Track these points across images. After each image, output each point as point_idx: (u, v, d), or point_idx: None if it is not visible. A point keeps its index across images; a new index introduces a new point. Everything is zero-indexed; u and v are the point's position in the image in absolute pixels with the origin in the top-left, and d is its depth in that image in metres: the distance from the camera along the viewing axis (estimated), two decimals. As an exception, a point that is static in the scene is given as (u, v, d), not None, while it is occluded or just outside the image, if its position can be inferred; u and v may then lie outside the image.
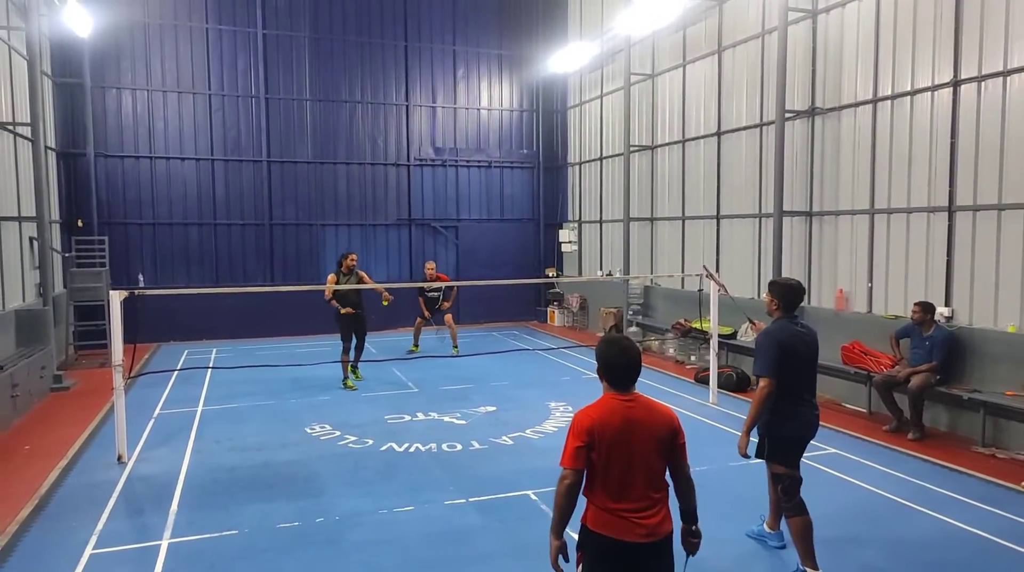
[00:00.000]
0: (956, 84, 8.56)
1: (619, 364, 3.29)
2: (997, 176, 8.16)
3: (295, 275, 17.06)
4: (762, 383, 4.88)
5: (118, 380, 7.61)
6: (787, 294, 5.03)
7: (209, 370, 12.17)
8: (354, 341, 11.17)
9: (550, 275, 18.70)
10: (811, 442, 5.11)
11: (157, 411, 9.81)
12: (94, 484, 6.98)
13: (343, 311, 10.95)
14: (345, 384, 11.03)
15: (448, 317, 14.11)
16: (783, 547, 5.44)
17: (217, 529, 5.85)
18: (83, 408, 9.96)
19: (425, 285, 13.75)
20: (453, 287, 14.12)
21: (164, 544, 5.59)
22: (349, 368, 11.20)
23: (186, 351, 14.54)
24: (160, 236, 16.07)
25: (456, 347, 13.79)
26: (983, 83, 8.28)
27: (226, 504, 6.41)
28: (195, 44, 16.10)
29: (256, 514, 6.17)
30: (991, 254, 8.24)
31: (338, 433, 8.68)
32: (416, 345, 14.05)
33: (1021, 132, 7.89)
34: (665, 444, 3.31)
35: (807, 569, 4.87)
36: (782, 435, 4.94)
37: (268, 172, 16.76)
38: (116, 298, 7.55)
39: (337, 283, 10.95)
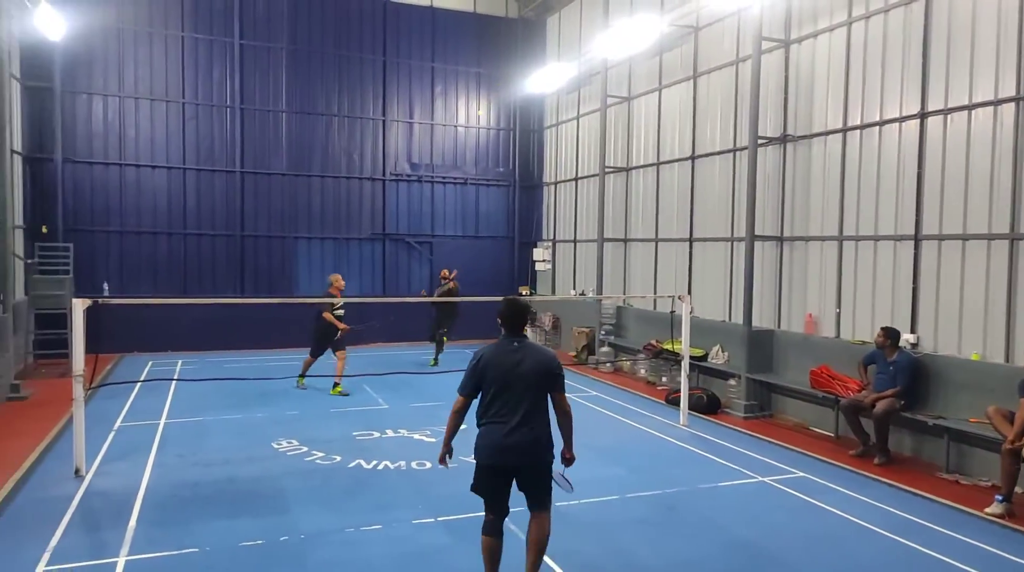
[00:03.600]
0: (923, 116, 8.79)
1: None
2: (962, 207, 8.37)
3: (266, 288, 16.83)
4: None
5: (78, 390, 7.40)
6: (504, 312, 4.87)
7: (174, 382, 11.91)
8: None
9: (523, 294, 18.70)
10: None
11: (118, 423, 9.56)
12: (49, 498, 6.75)
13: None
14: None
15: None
16: None
17: (177, 547, 5.69)
18: (40, 419, 9.66)
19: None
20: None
21: (121, 561, 5.41)
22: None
23: (150, 362, 14.23)
24: (127, 245, 15.76)
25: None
26: (949, 116, 8.51)
27: (187, 521, 6.24)
28: (170, 52, 15.92)
29: (218, 531, 6.01)
30: (956, 283, 8.42)
31: (305, 449, 8.52)
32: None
33: (985, 164, 8.11)
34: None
35: None
36: (475, 457, 4.81)
37: (241, 183, 16.57)
38: (79, 306, 7.35)
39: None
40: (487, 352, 4.76)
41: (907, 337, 8.81)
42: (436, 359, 14.34)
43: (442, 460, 4.94)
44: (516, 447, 4.63)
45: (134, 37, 15.62)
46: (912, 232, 8.92)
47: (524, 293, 18.66)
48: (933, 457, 8.40)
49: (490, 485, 4.75)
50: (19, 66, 14.17)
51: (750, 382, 10.77)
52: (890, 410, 8.34)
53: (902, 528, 6.39)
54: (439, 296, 14.27)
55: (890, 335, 8.57)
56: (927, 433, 8.47)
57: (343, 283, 12.06)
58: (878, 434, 8.42)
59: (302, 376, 11.70)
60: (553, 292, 18.34)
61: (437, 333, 14.51)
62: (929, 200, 8.75)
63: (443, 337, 14.52)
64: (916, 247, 8.89)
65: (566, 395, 4.87)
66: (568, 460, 4.97)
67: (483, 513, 4.83)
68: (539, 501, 4.78)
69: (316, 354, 11.83)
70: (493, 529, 4.77)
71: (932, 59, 8.69)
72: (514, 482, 4.79)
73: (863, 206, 9.64)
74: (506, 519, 4.83)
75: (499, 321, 4.89)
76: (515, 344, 4.76)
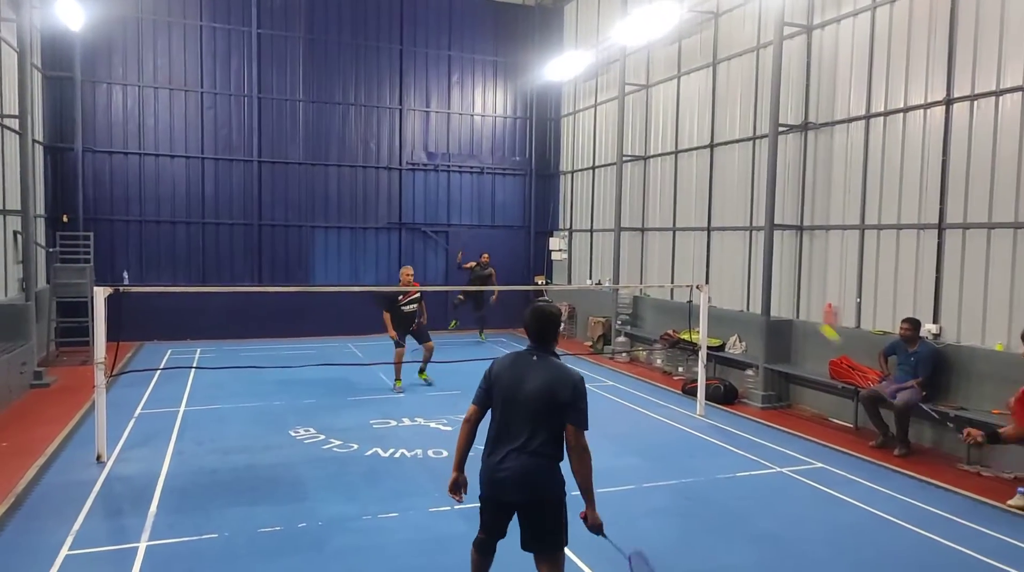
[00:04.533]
0: (949, 102, 8.62)
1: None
2: (987, 195, 8.21)
3: (283, 277, 16.92)
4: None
5: (100, 378, 7.48)
6: (528, 322, 4.12)
7: (193, 370, 12.02)
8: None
9: (539, 283, 18.66)
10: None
11: (138, 411, 9.67)
12: (72, 483, 6.84)
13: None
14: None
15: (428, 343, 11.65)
16: None
17: (197, 532, 5.75)
18: (63, 406, 9.80)
19: (400, 295, 11.10)
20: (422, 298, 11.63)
21: (142, 546, 5.48)
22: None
23: (170, 350, 14.37)
24: (147, 233, 15.89)
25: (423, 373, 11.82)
26: (976, 102, 8.34)
27: (206, 507, 6.30)
28: (188, 41, 15.98)
29: (237, 518, 6.06)
30: (980, 272, 8.28)
31: (323, 437, 8.57)
32: (400, 380, 11.34)
33: (1012, 151, 7.94)
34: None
35: None
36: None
37: (259, 172, 16.64)
38: (100, 294, 7.42)
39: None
40: (503, 361, 4.11)
41: (929, 327, 8.69)
42: (482, 333, 16.36)
43: (453, 489, 4.13)
44: (508, 480, 3.86)
45: (153, 27, 15.69)
46: (936, 221, 8.77)
47: (540, 282, 18.62)
48: (954, 449, 8.29)
49: (487, 516, 4.13)
50: (40, 56, 14.29)
51: (768, 372, 10.68)
52: (911, 401, 8.23)
53: (923, 520, 6.32)
54: (478, 280, 15.61)
55: (915, 326, 8.46)
56: (948, 424, 8.35)
57: (409, 277, 11.08)
58: (898, 425, 8.32)
59: (399, 379, 11.16)
60: (569, 281, 18.28)
61: (476, 314, 16.13)
62: (954, 188, 8.60)
63: (483, 317, 16.18)
64: (940, 236, 8.74)
65: (584, 434, 3.85)
66: (592, 524, 3.88)
67: None
68: (540, 546, 3.94)
69: (399, 345, 11.17)
70: (483, 548, 4.23)
71: (959, 44, 8.51)
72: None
73: (886, 194, 9.49)
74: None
75: (525, 332, 4.16)
76: (533, 357, 4.01)
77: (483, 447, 4.06)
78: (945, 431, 8.45)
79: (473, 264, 16.42)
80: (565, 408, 3.82)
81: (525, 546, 3.99)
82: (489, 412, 4.10)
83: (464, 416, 4.16)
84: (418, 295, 11.24)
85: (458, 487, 4.13)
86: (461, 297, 15.82)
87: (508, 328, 17.85)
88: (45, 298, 13.24)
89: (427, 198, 18.18)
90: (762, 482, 7.35)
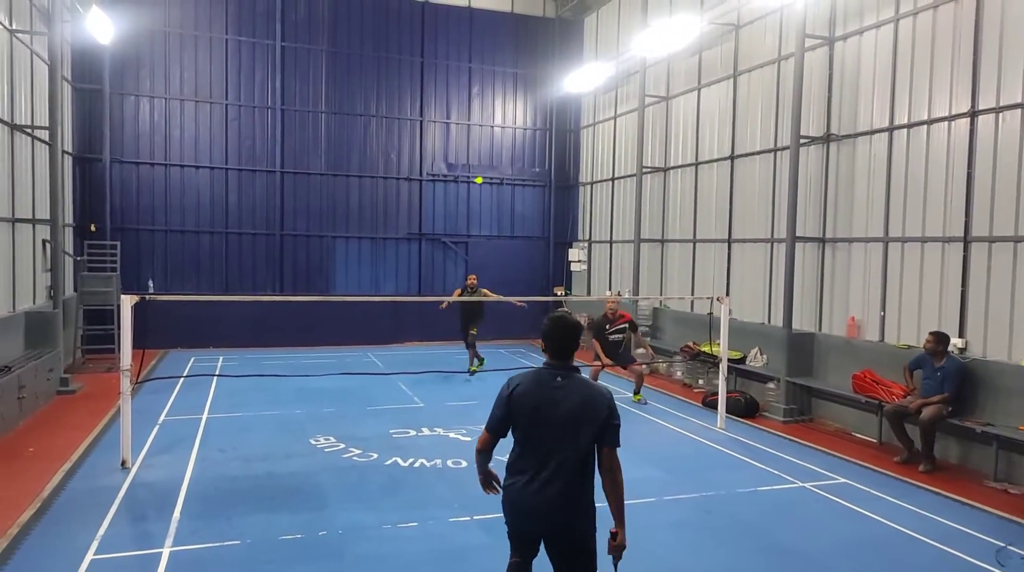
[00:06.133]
0: (974, 115, 8.54)
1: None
2: (1014, 208, 8.11)
3: (304, 286, 17.07)
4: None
5: (125, 384, 7.59)
6: (548, 332, 3.83)
7: (215, 378, 12.15)
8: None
9: (558, 294, 18.66)
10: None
11: (162, 417, 9.79)
12: (97, 489, 6.95)
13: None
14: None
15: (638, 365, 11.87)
16: None
17: (219, 539, 5.80)
18: (88, 412, 9.94)
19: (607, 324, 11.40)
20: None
21: (165, 552, 5.54)
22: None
23: (192, 358, 14.54)
24: (171, 243, 16.13)
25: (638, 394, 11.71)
26: (1001, 114, 8.25)
27: (228, 514, 6.36)
28: (214, 54, 16.26)
29: (259, 525, 6.11)
30: (1007, 286, 8.16)
31: (342, 446, 8.62)
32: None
33: (1039, 164, 7.85)
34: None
35: None
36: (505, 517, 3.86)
37: (281, 183, 16.84)
38: (127, 302, 7.54)
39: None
40: (522, 383, 3.76)
41: (955, 341, 8.57)
42: (474, 365, 13.32)
43: (487, 485, 4.00)
44: (539, 510, 3.64)
45: (180, 40, 15.99)
46: (961, 234, 8.68)
47: (559, 293, 18.61)
48: (981, 465, 8.15)
49: (517, 543, 3.89)
50: (70, 69, 14.61)
51: (790, 385, 10.58)
52: (937, 416, 8.12)
53: (948, 537, 6.21)
54: (468, 308, 13.24)
55: (941, 340, 8.34)
56: (975, 440, 8.22)
57: (614, 305, 11.56)
58: (924, 441, 8.20)
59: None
60: (589, 293, 18.26)
61: (469, 335, 13.34)
62: (979, 201, 8.50)
63: (473, 344, 13.35)
64: (965, 249, 8.64)
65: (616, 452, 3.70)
66: (616, 544, 3.64)
67: None
68: None
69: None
70: (519, 570, 3.93)
71: (984, 56, 8.44)
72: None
73: (910, 207, 9.40)
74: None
75: (541, 344, 3.88)
76: (558, 378, 3.72)
77: (507, 476, 3.80)
78: (972, 447, 8.32)
79: (458, 292, 13.77)
80: (601, 428, 3.64)
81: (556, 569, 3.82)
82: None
83: (477, 445, 3.93)
84: (626, 325, 11.55)
85: (489, 480, 3.98)
86: (443, 305, 13.79)
87: (527, 338, 17.86)
88: (72, 306, 13.47)
89: (447, 209, 18.28)
90: (784, 496, 7.28)
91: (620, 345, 11.48)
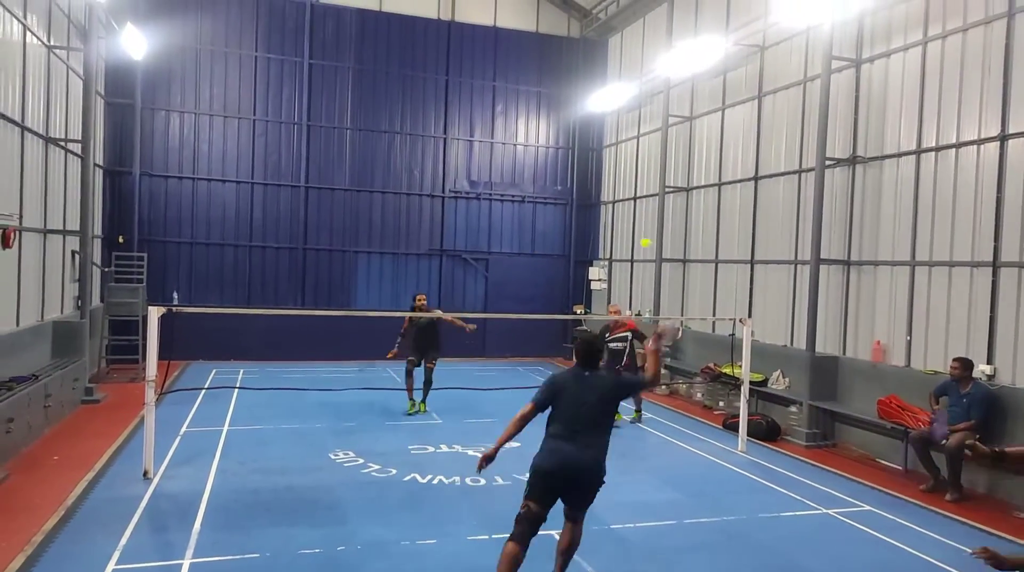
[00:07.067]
0: (1004, 139, 8.45)
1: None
2: (1045, 233, 7.99)
3: (326, 300, 17.19)
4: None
5: (150, 395, 7.67)
6: (578, 349, 5.40)
7: (236, 390, 12.24)
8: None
9: (578, 312, 18.61)
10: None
11: (184, 428, 9.87)
12: (120, 498, 7.00)
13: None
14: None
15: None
16: None
17: (239, 551, 5.82)
18: (112, 422, 10.06)
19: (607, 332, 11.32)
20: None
21: (186, 563, 5.57)
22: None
23: (214, 370, 14.67)
24: (196, 255, 16.35)
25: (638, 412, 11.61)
26: (1031, 139, 8.16)
27: (248, 526, 6.38)
28: (243, 71, 16.55)
29: (278, 538, 6.12)
30: (1037, 312, 8.03)
31: (362, 461, 8.63)
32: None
33: (1071, 190, 7.74)
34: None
35: None
36: (533, 464, 5.07)
37: (305, 197, 17.03)
38: (154, 314, 7.64)
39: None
40: (562, 374, 5.34)
41: (983, 368, 8.42)
42: (424, 403, 11.45)
43: (484, 461, 5.03)
44: (578, 464, 4.94)
45: (211, 57, 16.30)
46: (990, 259, 8.56)
47: (578, 311, 18.57)
48: (1010, 495, 7.97)
49: (540, 492, 4.93)
50: (104, 84, 14.93)
51: (813, 409, 10.44)
52: (963, 444, 7.95)
53: (976, 569, 6.05)
54: (422, 332, 11.19)
55: (966, 366, 8.20)
56: (1003, 469, 8.04)
57: (616, 311, 12.73)
58: (950, 469, 8.04)
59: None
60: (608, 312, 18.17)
61: (427, 366, 11.30)
62: (1009, 225, 8.38)
63: (429, 378, 11.32)
64: (994, 274, 8.51)
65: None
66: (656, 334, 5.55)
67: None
68: (578, 515, 5.18)
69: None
70: (522, 536, 4.86)
71: (1014, 79, 8.36)
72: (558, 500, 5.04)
73: (937, 231, 9.29)
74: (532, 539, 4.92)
75: (574, 355, 5.45)
76: (586, 373, 5.24)
77: (545, 438, 5.03)
78: (1000, 476, 8.14)
79: (407, 318, 11.36)
80: (621, 388, 5.51)
81: (571, 507, 5.13)
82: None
83: (519, 412, 5.06)
84: (627, 334, 11.18)
85: (493, 456, 5.05)
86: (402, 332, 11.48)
87: (544, 356, 17.83)
88: (98, 316, 13.67)
89: (468, 225, 18.36)
90: (806, 523, 7.17)
91: (621, 355, 11.17)
